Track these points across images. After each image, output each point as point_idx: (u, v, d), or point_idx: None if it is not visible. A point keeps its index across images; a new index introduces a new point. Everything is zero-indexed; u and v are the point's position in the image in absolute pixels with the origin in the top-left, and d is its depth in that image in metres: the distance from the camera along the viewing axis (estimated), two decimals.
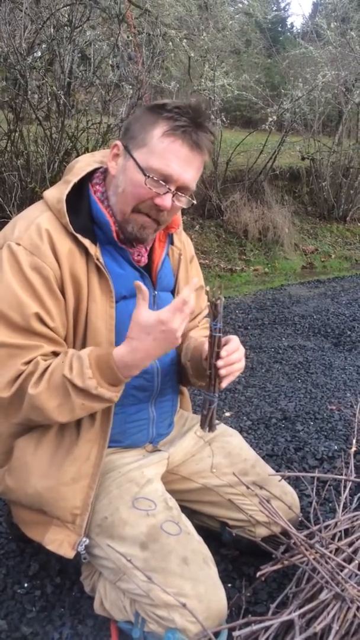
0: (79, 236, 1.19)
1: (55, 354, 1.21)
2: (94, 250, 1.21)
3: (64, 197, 1.19)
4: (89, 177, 1.28)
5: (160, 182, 1.17)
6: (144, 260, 1.33)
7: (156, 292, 1.36)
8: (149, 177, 1.17)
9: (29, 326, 1.15)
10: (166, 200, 1.19)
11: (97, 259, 1.21)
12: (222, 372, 1.23)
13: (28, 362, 1.15)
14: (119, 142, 1.23)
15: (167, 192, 1.18)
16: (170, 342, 1.15)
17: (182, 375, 1.49)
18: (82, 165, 1.28)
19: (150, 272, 1.36)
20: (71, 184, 1.22)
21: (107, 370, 1.15)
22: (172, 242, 1.44)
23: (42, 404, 1.14)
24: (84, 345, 1.24)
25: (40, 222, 1.18)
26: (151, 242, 1.36)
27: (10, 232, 1.20)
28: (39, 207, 1.24)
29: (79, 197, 1.24)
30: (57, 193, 1.22)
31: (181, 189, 1.21)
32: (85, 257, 1.21)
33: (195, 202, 1.28)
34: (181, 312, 1.12)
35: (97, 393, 1.15)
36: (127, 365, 1.15)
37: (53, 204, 1.21)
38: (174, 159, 1.16)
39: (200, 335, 1.51)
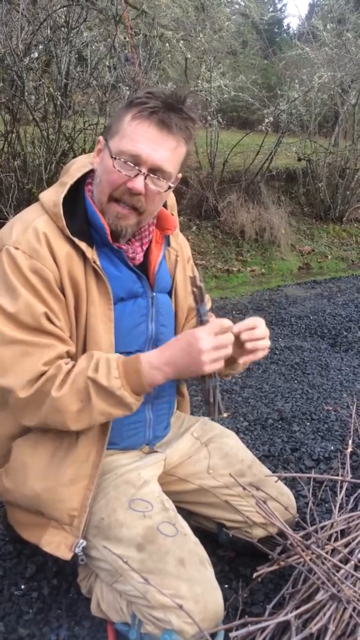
0: (76, 240, 1.19)
1: (69, 354, 1.21)
2: (90, 253, 1.21)
3: (61, 200, 1.19)
4: (85, 178, 1.28)
5: (129, 163, 1.17)
6: (139, 258, 1.33)
7: (154, 294, 1.36)
8: (116, 159, 1.16)
9: (40, 325, 1.15)
10: (137, 183, 1.17)
11: (94, 262, 1.21)
12: (248, 345, 1.24)
13: (48, 363, 1.15)
14: (100, 138, 1.25)
15: (138, 174, 1.17)
16: (192, 359, 1.15)
17: None
18: (77, 166, 1.28)
19: (147, 274, 1.36)
20: (67, 186, 1.22)
21: (134, 375, 1.17)
22: (168, 244, 1.44)
23: (64, 407, 1.14)
24: (84, 348, 1.24)
25: (37, 226, 1.18)
26: (147, 242, 1.36)
27: (7, 236, 1.19)
28: (36, 209, 1.24)
29: (75, 199, 1.24)
30: (53, 196, 1.22)
31: (154, 170, 1.19)
32: (82, 260, 1.21)
33: (172, 185, 1.25)
34: (216, 337, 1.15)
35: (120, 394, 1.15)
36: (152, 365, 1.17)
37: (50, 207, 1.21)
38: (142, 139, 1.16)
39: None
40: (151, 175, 1.19)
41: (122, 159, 1.16)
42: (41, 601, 1.44)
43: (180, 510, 1.36)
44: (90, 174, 1.29)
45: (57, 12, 4.28)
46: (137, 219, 1.25)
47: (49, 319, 1.16)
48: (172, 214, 1.41)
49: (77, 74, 4.59)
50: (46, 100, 4.48)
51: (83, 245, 1.20)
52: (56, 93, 4.26)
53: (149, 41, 5.11)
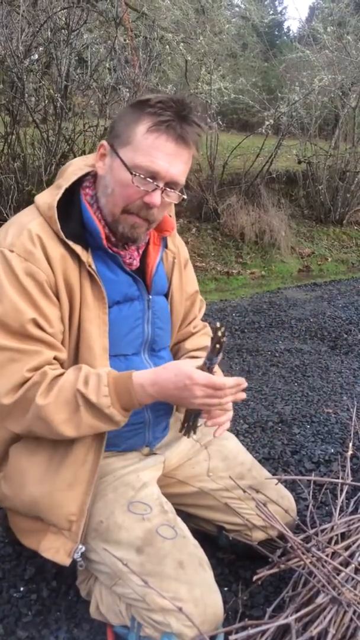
0: (70, 243, 1.18)
1: (57, 359, 1.20)
2: (85, 256, 1.21)
3: (55, 204, 1.18)
4: (80, 181, 1.27)
5: (148, 179, 1.16)
6: (136, 263, 1.32)
7: (150, 297, 1.36)
8: (135, 175, 1.16)
9: (26, 331, 1.14)
10: (155, 198, 1.18)
11: (89, 265, 1.21)
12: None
13: (33, 370, 1.14)
14: (104, 142, 1.23)
15: (156, 189, 1.17)
16: (183, 399, 1.16)
17: None
18: (73, 169, 1.27)
19: (144, 276, 1.35)
20: (62, 190, 1.21)
21: (125, 394, 1.16)
22: (166, 246, 1.43)
23: (49, 416, 1.13)
24: (77, 352, 1.24)
25: (31, 228, 1.17)
26: (144, 245, 1.35)
27: (2, 239, 1.19)
28: (31, 212, 1.23)
29: (70, 202, 1.23)
30: (48, 199, 1.21)
31: (170, 184, 1.19)
32: (77, 263, 1.21)
33: (185, 197, 1.26)
34: (211, 390, 1.14)
35: (109, 413, 1.15)
36: (144, 389, 1.16)
37: (44, 211, 1.20)
38: (160, 154, 1.15)
39: (195, 346, 1.51)
40: (167, 189, 1.19)
41: (140, 175, 1.16)
42: (40, 603, 1.44)
43: (180, 512, 1.35)
44: (86, 177, 1.28)
45: (57, 14, 4.28)
46: (147, 227, 1.26)
47: (37, 325, 1.15)
48: (170, 215, 1.40)
49: (77, 76, 4.60)
50: (46, 102, 4.49)
51: (78, 248, 1.19)
52: (56, 95, 4.26)
53: (149, 43, 5.12)
